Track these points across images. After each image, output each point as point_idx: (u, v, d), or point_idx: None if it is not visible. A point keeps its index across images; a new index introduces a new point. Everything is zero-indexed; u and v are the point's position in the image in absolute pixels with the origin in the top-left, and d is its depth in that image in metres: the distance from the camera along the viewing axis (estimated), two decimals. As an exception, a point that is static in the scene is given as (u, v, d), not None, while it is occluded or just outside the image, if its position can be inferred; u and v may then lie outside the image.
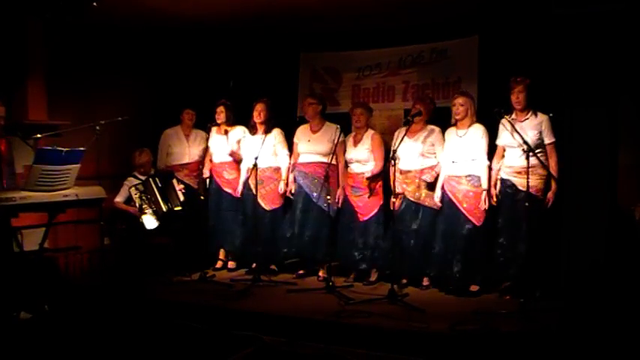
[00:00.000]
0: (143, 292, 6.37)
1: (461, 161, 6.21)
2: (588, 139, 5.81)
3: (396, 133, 6.61)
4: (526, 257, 5.74)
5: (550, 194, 5.83)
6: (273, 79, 8.12)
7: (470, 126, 6.24)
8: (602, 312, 5.26)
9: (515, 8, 6.53)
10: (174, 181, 7.22)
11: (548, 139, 5.89)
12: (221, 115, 7.39)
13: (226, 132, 7.38)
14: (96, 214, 6.48)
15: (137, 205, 6.98)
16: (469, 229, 6.13)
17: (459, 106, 6.22)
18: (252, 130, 7.21)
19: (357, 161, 6.73)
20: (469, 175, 6.17)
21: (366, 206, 6.67)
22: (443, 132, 6.44)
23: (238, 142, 7.34)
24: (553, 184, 5.84)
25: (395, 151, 6.09)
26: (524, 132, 5.74)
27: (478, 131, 6.19)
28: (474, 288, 6.21)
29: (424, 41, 7.54)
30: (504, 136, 6.02)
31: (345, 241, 6.79)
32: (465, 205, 6.15)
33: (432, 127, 6.51)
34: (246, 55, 8.35)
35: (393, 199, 6.33)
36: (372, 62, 7.86)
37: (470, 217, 6.13)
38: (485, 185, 6.11)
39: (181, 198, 7.12)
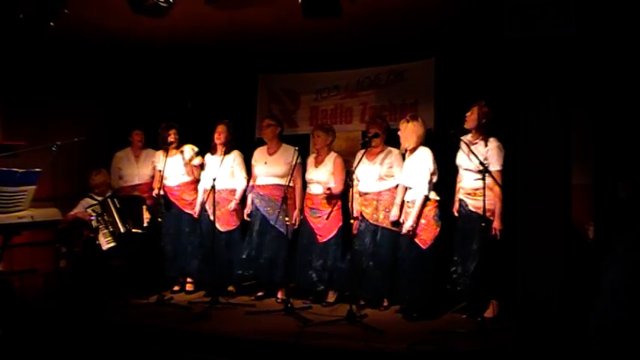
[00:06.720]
0: (100, 315, 6.27)
1: (405, 185, 6.20)
2: (542, 158, 5.91)
3: (357, 155, 6.55)
4: (479, 277, 5.76)
5: (496, 223, 5.80)
6: (231, 100, 8.14)
7: (415, 150, 6.15)
8: (558, 331, 5.33)
9: (470, 31, 6.65)
10: (144, 208, 7.19)
11: (492, 167, 5.80)
12: (176, 137, 7.33)
13: (182, 152, 7.32)
14: (52, 236, 6.38)
15: (93, 226, 6.91)
16: (416, 253, 6.04)
17: (399, 131, 6.24)
18: (213, 150, 7.21)
19: (317, 182, 6.71)
20: (413, 201, 6.07)
21: (325, 228, 6.66)
22: (402, 153, 6.37)
23: (190, 160, 7.31)
24: (497, 211, 5.82)
25: (352, 172, 6.13)
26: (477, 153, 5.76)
27: (420, 157, 6.08)
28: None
29: (381, 63, 7.61)
30: (459, 157, 6.05)
31: (303, 263, 6.77)
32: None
33: (391, 148, 6.49)
34: (205, 76, 8.34)
35: (351, 221, 6.37)
36: (329, 84, 7.92)
37: (416, 241, 6.04)
38: (411, 219, 6.00)
39: (144, 225, 7.08)
